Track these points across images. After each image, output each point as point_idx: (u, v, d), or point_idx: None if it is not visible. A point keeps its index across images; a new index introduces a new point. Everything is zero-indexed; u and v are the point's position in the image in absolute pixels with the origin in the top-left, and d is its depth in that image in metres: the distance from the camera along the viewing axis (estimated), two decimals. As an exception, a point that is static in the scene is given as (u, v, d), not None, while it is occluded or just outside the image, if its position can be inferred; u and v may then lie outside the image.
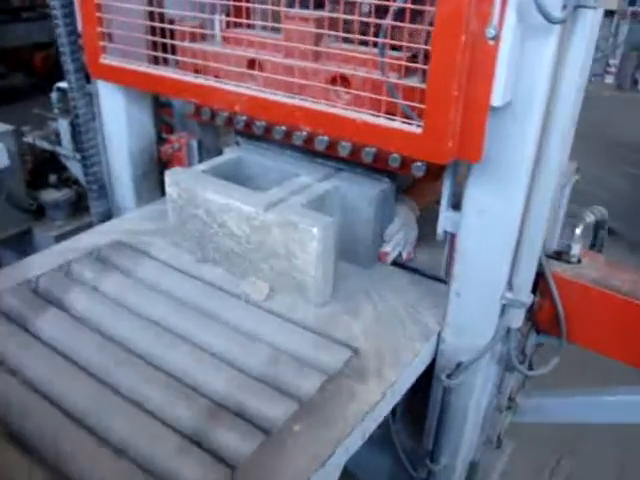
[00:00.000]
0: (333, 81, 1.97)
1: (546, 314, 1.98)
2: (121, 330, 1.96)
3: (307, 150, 2.44)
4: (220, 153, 3.45)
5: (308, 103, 1.79)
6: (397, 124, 1.64)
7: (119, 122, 2.62)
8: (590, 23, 1.51)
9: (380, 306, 2.15)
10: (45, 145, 4.05)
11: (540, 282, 1.95)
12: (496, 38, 1.44)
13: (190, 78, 2.01)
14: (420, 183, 2.50)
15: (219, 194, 2.17)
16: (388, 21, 1.57)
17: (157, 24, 2.16)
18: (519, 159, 1.64)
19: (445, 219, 1.91)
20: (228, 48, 2.06)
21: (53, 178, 4.29)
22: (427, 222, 2.83)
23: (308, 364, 1.85)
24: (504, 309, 1.89)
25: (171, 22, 2.19)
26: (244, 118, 2.45)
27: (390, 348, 1.94)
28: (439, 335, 2.06)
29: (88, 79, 2.72)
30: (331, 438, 1.58)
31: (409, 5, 1.55)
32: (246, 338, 1.93)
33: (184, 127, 3.04)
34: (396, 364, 1.87)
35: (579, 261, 2.02)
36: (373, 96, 1.69)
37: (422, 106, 1.58)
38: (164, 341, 1.91)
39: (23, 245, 4.19)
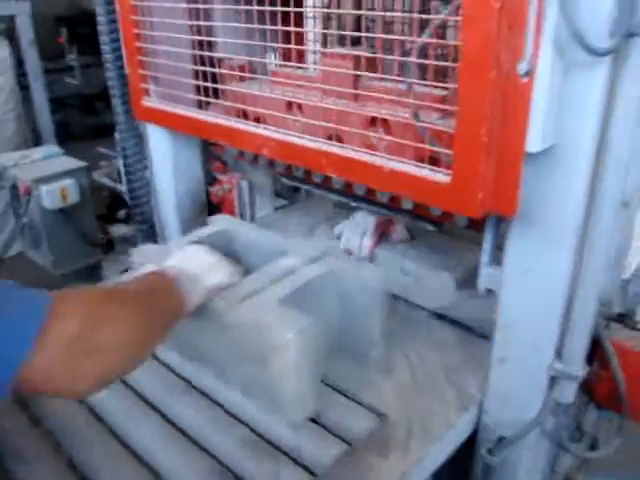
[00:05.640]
0: (371, 123, 1.84)
1: (605, 387, 1.69)
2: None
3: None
4: (277, 196, 3.39)
5: (335, 148, 1.67)
6: (426, 172, 1.47)
7: (166, 164, 2.60)
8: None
9: (418, 367, 1.95)
10: (107, 182, 4.17)
11: (598, 350, 1.68)
12: (530, 74, 1.26)
13: (219, 120, 1.94)
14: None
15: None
16: (412, 59, 1.43)
17: (199, 67, 2.11)
18: (564, 213, 1.41)
19: (486, 276, 1.70)
20: (268, 90, 1.95)
21: (122, 213, 4.41)
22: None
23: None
24: (553, 381, 1.65)
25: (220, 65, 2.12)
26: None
27: (421, 417, 1.73)
28: (481, 405, 1.83)
29: (140, 120, 2.74)
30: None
31: (433, 40, 1.40)
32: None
33: (237, 165, 3.00)
34: (425, 437, 1.67)
35: (646, 326, 1.74)
36: (399, 141, 1.54)
37: (451, 152, 1.41)
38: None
39: (92, 278, 4.30)
